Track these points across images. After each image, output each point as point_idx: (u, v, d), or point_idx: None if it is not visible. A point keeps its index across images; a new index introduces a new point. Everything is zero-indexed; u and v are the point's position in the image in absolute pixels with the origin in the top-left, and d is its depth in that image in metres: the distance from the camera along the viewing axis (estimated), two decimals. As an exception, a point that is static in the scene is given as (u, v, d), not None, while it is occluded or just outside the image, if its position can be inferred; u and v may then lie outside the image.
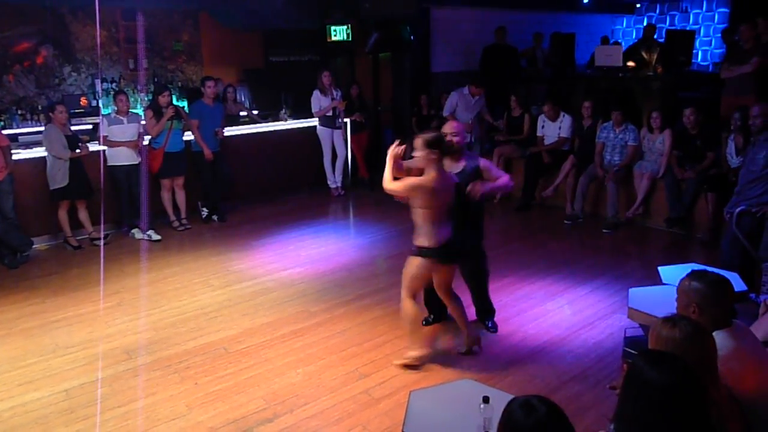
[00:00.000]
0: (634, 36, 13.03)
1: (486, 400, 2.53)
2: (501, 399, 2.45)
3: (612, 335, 4.46)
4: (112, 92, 8.69)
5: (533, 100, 9.24)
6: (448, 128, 4.22)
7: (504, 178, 4.21)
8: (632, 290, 3.98)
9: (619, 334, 4.31)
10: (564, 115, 7.62)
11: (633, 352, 3.68)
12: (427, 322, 4.62)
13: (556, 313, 4.89)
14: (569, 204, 7.32)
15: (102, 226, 6.55)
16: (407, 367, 4.05)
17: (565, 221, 7.23)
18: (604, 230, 6.89)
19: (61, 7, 8.60)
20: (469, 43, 9.96)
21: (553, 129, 7.67)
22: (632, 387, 1.93)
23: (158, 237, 6.73)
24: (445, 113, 8.17)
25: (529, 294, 5.24)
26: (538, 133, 7.80)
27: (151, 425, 3.50)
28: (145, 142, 6.85)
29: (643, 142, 7.00)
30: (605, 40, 10.36)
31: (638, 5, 13.03)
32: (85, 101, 8.62)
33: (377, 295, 5.20)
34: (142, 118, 7.07)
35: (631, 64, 9.13)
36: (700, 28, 12.10)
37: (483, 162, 4.26)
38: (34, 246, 6.41)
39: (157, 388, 3.86)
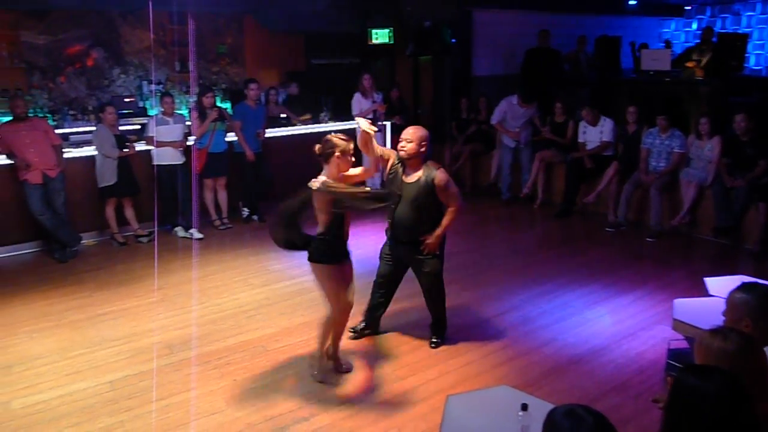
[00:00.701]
0: (683, 39, 12.73)
1: (525, 407, 2.51)
2: (540, 407, 2.42)
3: (654, 347, 4.35)
4: (158, 94, 8.91)
5: (576, 104, 9.10)
6: (404, 134, 4.12)
7: (453, 207, 4.11)
8: (677, 301, 3.88)
9: (661, 346, 4.20)
10: (605, 119, 7.49)
11: (677, 365, 3.58)
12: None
13: (596, 322, 4.80)
14: (612, 211, 7.18)
15: (154, 222, 6.71)
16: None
17: (607, 229, 7.10)
18: (648, 239, 6.74)
19: (112, 12, 8.87)
20: (511, 46, 9.88)
21: (594, 133, 7.54)
22: (680, 401, 1.88)
23: (200, 235, 6.87)
24: (494, 121, 8.19)
25: (568, 302, 5.16)
26: (580, 139, 7.68)
27: (190, 419, 3.57)
28: (190, 143, 7.00)
29: (690, 149, 6.82)
30: (644, 46, 10.13)
31: (688, 7, 12.72)
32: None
33: (414, 299, 5.16)
34: (187, 119, 7.23)
35: (690, 64, 8.93)
36: (752, 32, 11.73)
37: (440, 177, 4.04)
38: (82, 241, 6.61)
39: (197, 383, 3.94)
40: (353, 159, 3.84)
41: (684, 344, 3.74)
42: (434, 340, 4.41)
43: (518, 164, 8.30)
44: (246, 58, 10.11)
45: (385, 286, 4.48)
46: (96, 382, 3.98)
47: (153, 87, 9.32)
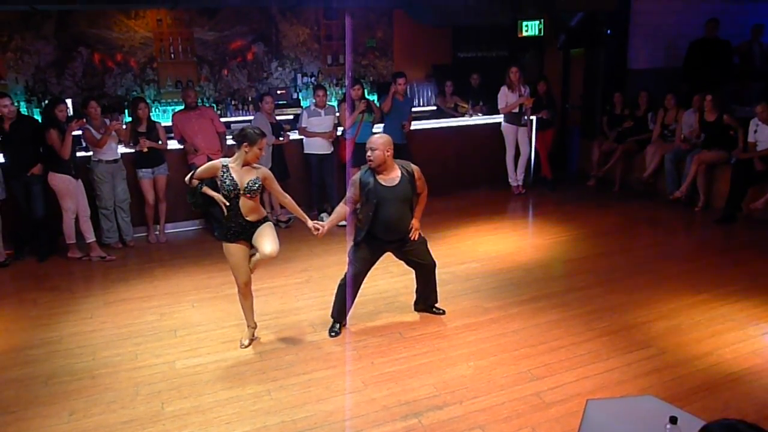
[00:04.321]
0: None
1: (673, 420, 2.35)
2: (689, 422, 2.27)
3: (830, 372, 3.89)
4: (311, 86, 9.39)
5: (747, 100, 8.29)
6: (368, 144, 4.38)
7: (425, 192, 4.60)
8: None
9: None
10: (782, 117, 6.74)
11: None
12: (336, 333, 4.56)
13: (759, 339, 4.37)
14: (785, 219, 6.47)
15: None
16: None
17: (778, 238, 6.41)
18: (827, 252, 6.00)
19: (273, 9, 9.45)
20: (673, 37, 9.19)
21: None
22: None
23: (344, 222, 7.12)
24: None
25: (726, 315, 4.74)
26: (750, 138, 6.97)
27: (330, 395, 3.76)
28: (338, 133, 7.30)
29: None
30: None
31: None
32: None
33: (554, 299, 5.05)
34: (337, 110, 7.53)
35: None
36: None
37: (415, 167, 4.50)
38: (238, 222, 7.13)
39: (337, 362, 4.14)
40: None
41: None
42: (440, 308, 4.85)
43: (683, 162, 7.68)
44: (394, 52, 10.33)
45: (359, 284, 4.58)
46: (247, 351, 4.31)
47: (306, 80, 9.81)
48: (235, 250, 4.22)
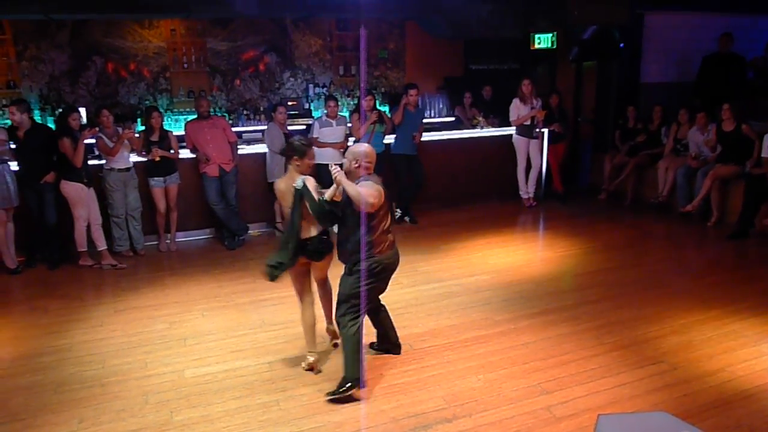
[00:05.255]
0: None
1: (687, 437, 2.32)
2: (705, 439, 2.23)
3: None
4: (323, 97, 9.43)
5: (761, 115, 8.23)
6: (370, 156, 4.02)
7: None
8: None
9: None
10: (797, 133, 6.69)
11: None
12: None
13: (773, 356, 4.32)
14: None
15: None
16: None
17: (792, 254, 6.34)
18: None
19: (285, 19, 9.53)
20: (685, 51, 9.16)
21: (782, 148, 6.76)
22: None
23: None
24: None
25: (738, 331, 4.68)
26: (764, 154, 6.91)
27: (338, 406, 3.74)
28: (349, 144, 7.32)
29: None
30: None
31: None
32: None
33: (564, 312, 5.02)
34: (349, 121, 7.56)
35: None
36: None
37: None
38: (249, 231, 7.18)
39: (345, 374, 4.12)
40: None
41: None
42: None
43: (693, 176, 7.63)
44: (406, 63, 10.37)
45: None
46: (256, 361, 4.30)
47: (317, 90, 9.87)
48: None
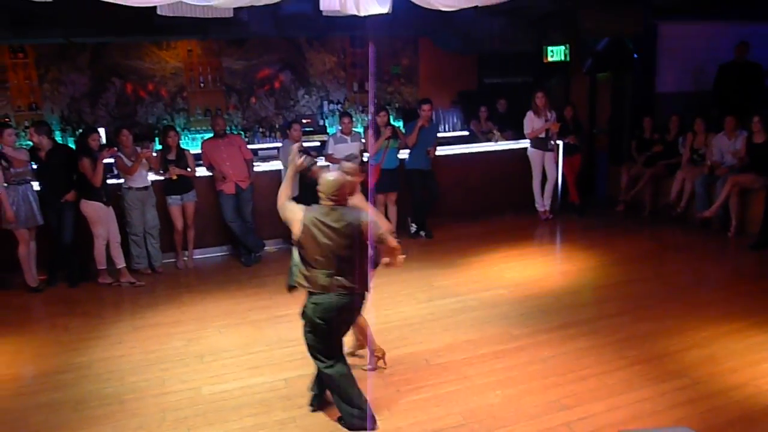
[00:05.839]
0: None
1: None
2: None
3: None
4: (337, 113, 9.49)
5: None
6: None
7: None
8: None
9: None
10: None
11: None
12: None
13: (798, 369, 4.22)
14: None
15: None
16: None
17: (816, 264, 6.22)
18: None
19: (300, 38, 9.62)
20: (701, 60, 9.09)
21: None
22: None
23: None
24: None
25: (762, 344, 4.59)
26: (785, 163, 6.83)
27: (355, 424, 3.71)
28: (364, 159, 7.34)
29: None
30: None
31: None
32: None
33: (583, 326, 4.96)
34: (363, 137, 7.59)
35: None
36: None
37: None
38: (265, 248, 7.20)
39: (362, 389, 4.05)
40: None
41: None
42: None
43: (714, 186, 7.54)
44: (419, 79, 10.41)
45: None
46: (273, 378, 4.30)
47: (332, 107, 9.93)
48: None
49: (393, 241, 3.72)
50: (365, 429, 3.59)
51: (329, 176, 3.68)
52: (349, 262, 3.54)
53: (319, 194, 3.62)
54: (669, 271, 6.46)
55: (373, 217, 3.67)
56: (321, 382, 3.83)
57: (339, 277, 3.52)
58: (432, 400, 3.95)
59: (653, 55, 9.00)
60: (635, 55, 8.85)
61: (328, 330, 3.59)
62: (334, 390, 3.69)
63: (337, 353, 3.69)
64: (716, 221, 7.41)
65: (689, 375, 4.16)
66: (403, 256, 3.87)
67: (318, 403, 3.88)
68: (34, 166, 6.27)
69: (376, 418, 3.70)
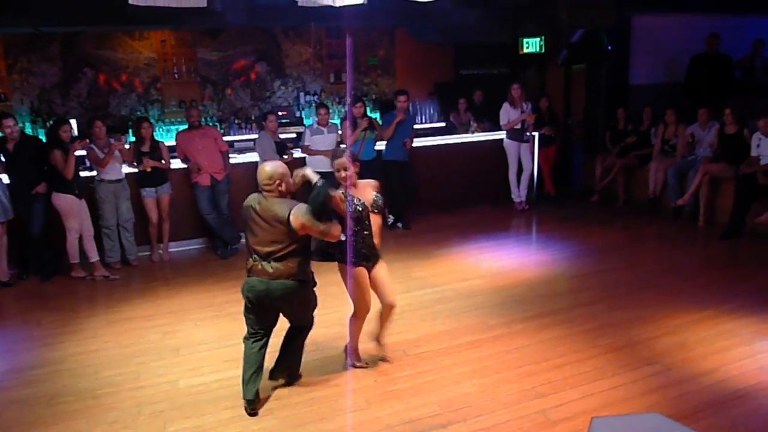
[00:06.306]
0: None
1: (680, 438, 2.32)
2: (697, 439, 2.24)
3: (839, 387, 3.84)
4: (314, 104, 9.44)
5: (749, 115, 8.29)
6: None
7: None
8: None
9: None
10: (784, 131, 6.73)
11: None
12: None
13: (766, 355, 4.31)
14: (789, 233, 6.43)
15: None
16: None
17: (783, 252, 6.37)
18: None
19: (275, 28, 9.55)
20: (673, 52, 9.25)
21: (771, 147, 6.80)
22: None
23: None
24: None
25: (732, 330, 4.69)
26: (753, 153, 6.96)
27: (333, 414, 3.73)
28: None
29: None
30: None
31: None
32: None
33: (558, 315, 5.02)
34: (340, 128, 7.57)
35: None
36: None
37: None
38: (241, 240, 7.14)
39: (340, 381, 4.11)
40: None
41: None
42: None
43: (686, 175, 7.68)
44: (396, 70, 10.40)
45: None
46: (250, 370, 4.27)
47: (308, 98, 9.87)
48: (362, 273, 4.05)
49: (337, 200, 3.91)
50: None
51: (266, 165, 3.86)
52: (274, 250, 3.67)
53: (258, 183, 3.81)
54: (642, 260, 6.57)
55: (302, 210, 3.72)
56: (283, 350, 4.05)
57: (263, 263, 3.70)
58: (409, 389, 3.97)
59: (627, 48, 9.12)
60: (609, 47, 8.94)
61: (251, 308, 3.82)
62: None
63: (256, 332, 3.89)
64: (687, 210, 7.54)
65: (661, 362, 4.24)
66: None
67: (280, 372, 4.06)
68: (2, 159, 6.14)
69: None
